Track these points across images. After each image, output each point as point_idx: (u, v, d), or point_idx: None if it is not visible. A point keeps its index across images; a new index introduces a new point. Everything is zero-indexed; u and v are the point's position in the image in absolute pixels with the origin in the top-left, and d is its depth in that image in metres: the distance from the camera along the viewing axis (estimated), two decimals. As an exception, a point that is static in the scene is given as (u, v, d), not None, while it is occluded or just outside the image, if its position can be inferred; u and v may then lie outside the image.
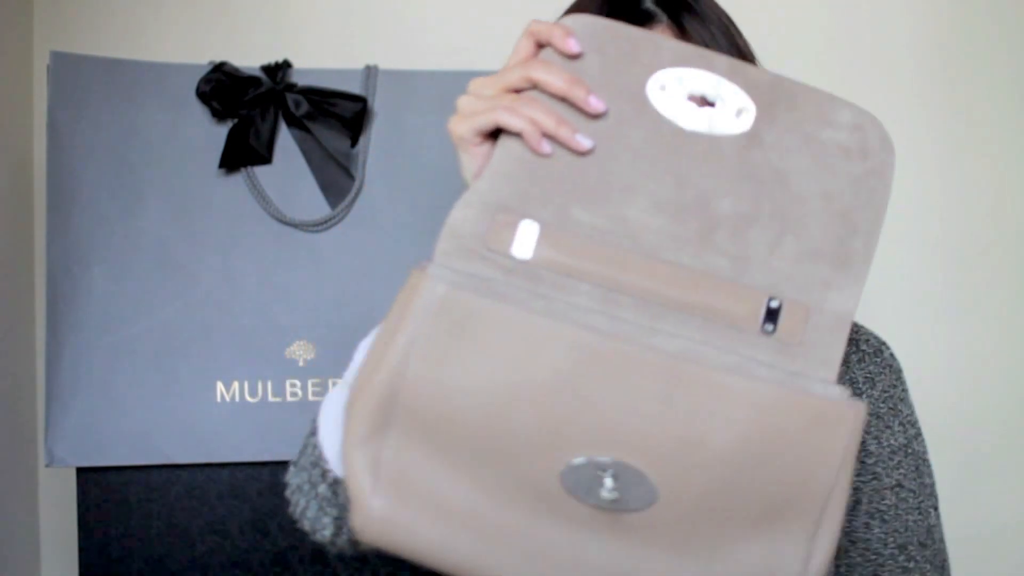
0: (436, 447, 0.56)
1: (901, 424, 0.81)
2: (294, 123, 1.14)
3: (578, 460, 0.55)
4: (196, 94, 1.12)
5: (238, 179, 1.13)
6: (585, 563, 0.57)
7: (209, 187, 1.12)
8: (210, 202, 1.12)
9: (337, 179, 1.14)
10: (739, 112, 0.58)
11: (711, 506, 0.56)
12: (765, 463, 0.55)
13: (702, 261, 0.58)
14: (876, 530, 0.79)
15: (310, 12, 1.42)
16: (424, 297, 0.55)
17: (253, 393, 1.09)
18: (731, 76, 0.58)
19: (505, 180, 0.59)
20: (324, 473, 0.67)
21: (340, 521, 0.68)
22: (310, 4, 1.42)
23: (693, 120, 0.58)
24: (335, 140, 1.14)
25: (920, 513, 0.80)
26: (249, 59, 1.15)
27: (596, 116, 0.58)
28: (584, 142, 0.58)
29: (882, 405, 0.81)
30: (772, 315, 0.58)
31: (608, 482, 0.55)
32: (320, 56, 1.32)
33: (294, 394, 1.10)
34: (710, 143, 0.58)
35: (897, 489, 0.79)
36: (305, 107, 1.13)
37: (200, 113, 1.13)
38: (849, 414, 0.56)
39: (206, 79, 1.11)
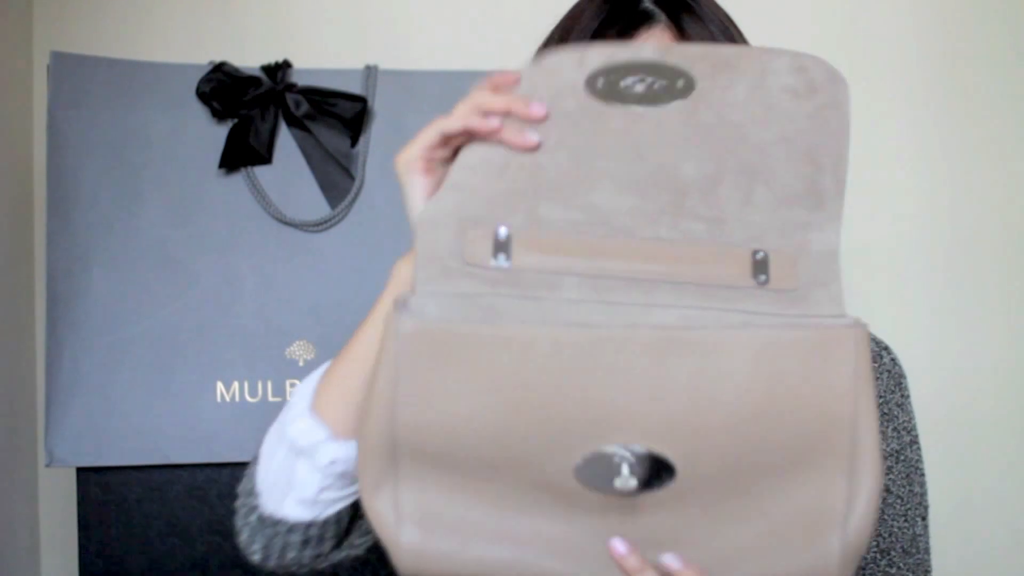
0: (448, 473, 0.57)
1: (895, 430, 0.80)
2: (294, 123, 1.14)
3: (586, 455, 0.55)
4: (196, 94, 1.12)
5: (238, 179, 1.12)
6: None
7: (209, 187, 1.12)
8: (210, 202, 1.11)
9: (337, 179, 1.14)
10: (679, 81, 0.58)
11: (735, 465, 0.55)
12: (776, 407, 0.54)
13: (680, 230, 0.58)
14: None
15: (310, 12, 1.42)
16: (396, 338, 0.55)
17: (253, 393, 1.09)
18: (664, 57, 0.58)
19: (468, 193, 0.59)
20: (253, 508, 0.70)
21: (267, 550, 0.70)
22: (310, 4, 1.42)
23: (635, 99, 0.58)
24: (335, 140, 1.14)
25: (906, 520, 0.79)
26: (249, 59, 1.15)
27: (540, 120, 0.58)
28: (532, 136, 0.58)
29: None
30: (761, 266, 0.57)
31: (624, 469, 0.55)
32: (320, 56, 1.32)
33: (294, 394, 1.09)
34: (658, 115, 0.58)
35: (884, 494, 0.78)
36: (305, 107, 1.13)
37: (200, 113, 1.12)
38: (848, 336, 0.54)
39: (206, 79, 1.11)
